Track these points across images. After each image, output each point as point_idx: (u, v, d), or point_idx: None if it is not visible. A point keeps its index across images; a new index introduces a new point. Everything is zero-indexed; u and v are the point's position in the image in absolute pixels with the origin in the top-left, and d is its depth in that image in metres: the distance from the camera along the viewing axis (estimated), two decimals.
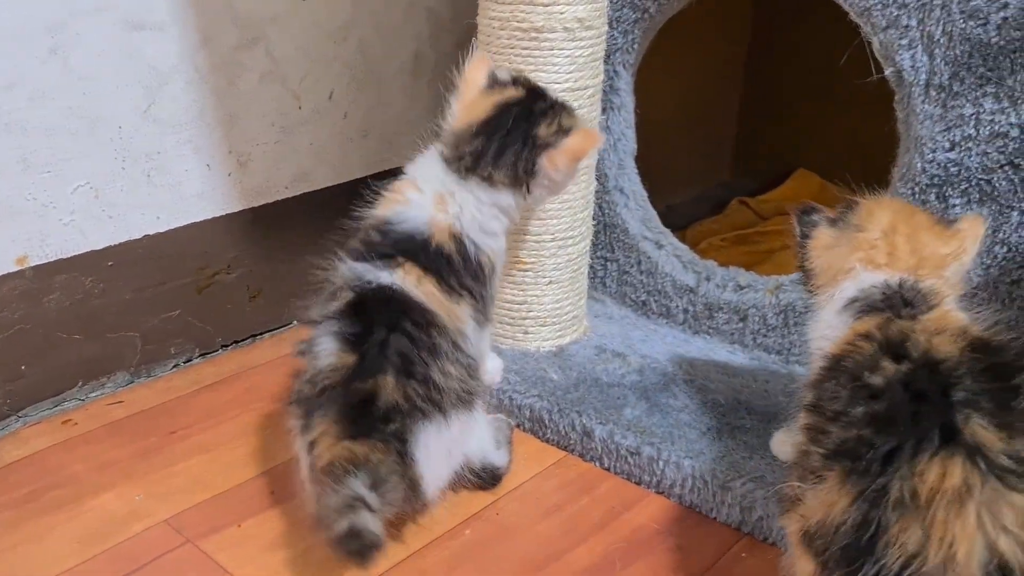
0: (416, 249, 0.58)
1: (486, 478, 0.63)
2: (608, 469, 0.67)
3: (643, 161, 0.83)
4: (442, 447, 0.56)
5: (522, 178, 0.60)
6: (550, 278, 0.74)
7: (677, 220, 1.07)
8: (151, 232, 0.76)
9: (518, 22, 0.67)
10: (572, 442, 0.68)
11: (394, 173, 0.63)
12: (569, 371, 0.73)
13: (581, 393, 0.70)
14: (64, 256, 0.71)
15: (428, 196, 0.60)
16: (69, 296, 0.72)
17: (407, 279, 0.57)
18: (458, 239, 0.59)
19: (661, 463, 0.63)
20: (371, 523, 0.49)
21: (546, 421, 0.69)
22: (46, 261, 0.70)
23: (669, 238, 0.82)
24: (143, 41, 0.71)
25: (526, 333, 0.76)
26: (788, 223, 0.96)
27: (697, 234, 1.01)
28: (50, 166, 0.69)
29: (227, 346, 0.84)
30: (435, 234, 0.58)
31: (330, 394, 0.54)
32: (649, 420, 0.67)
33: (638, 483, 0.65)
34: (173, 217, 0.77)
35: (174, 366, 0.80)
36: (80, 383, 0.75)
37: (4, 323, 0.69)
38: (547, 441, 0.70)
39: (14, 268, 0.69)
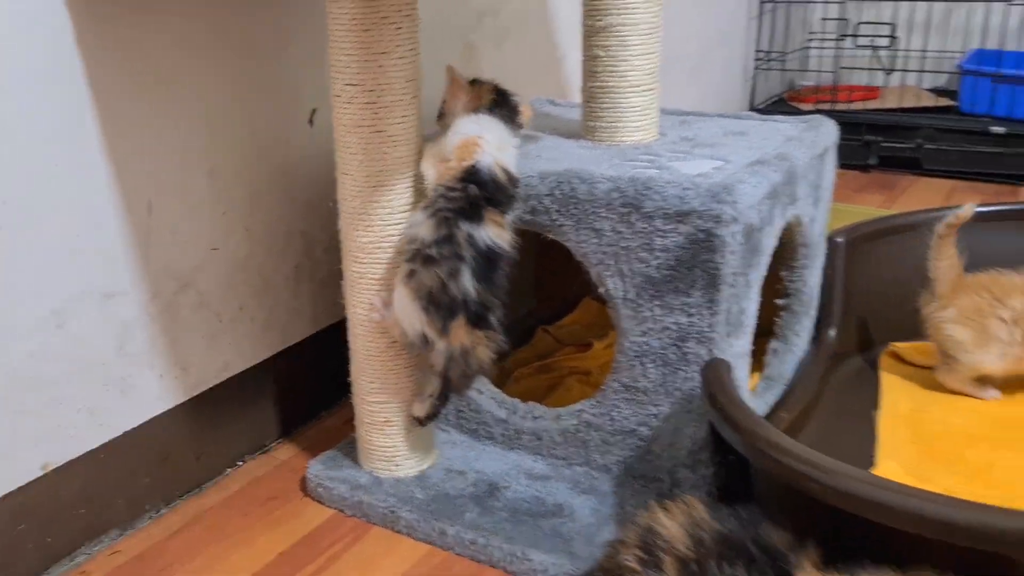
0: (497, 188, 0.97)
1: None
2: (459, 554, 1.04)
3: None
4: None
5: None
6: (410, 427, 1.12)
7: None
8: (127, 428, 1.09)
9: None
10: (434, 540, 1.05)
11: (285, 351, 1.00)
12: (428, 490, 1.11)
13: (437, 505, 1.08)
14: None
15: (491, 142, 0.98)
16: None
17: (492, 229, 0.95)
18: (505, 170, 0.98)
19: (490, 548, 1.01)
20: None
21: (416, 527, 1.06)
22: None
23: (487, 386, 1.20)
24: (115, 304, 1.05)
25: (397, 466, 1.13)
26: (577, 353, 1.36)
27: (513, 364, 1.40)
28: (53, 389, 1.01)
29: (182, 496, 1.17)
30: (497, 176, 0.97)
31: (463, 306, 0.93)
32: (480, 519, 1.05)
33: (478, 562, 1.03)
34: (137, 417, 1.10)
35: (149, 519, 1.13)
36: (83, 542, 1.06)
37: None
38: (417, 539, 1.07)
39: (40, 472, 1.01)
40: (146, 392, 1.10)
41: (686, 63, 2.34)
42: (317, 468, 1.16)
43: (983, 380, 1.26)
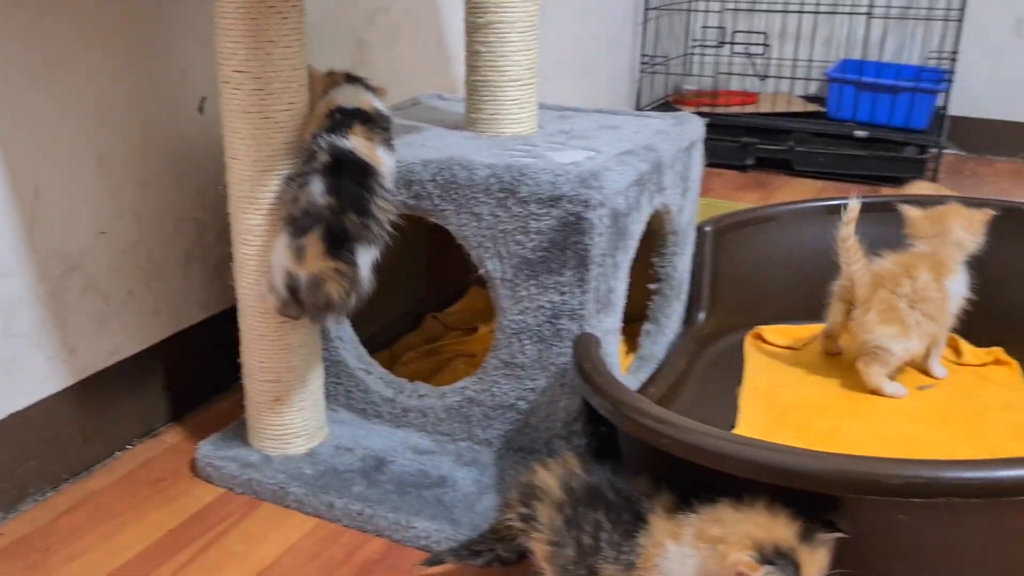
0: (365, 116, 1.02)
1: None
2: (347, 526, 1.09)
3: None
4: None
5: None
6: (299, 406, 1.16)
7: (387, 337, 1.51)
8: (13, 410, 1.09)
9: None
10: (322, 513, 1.09)
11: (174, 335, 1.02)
12: (317, 466, 1.15)
13: (326, 480, 1.12)
14: None
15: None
16: None
17: (355, 140, 0.99)
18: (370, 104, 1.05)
19: (376, 518, 1.06)
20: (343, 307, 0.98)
21: (304, 501, 1.10)
22: None
23: (375, 367, 1.25)
24: (1, 285, 1.06)
25: (287, 444, 1.17)
26: (463, 337, 1.41)
27: (400, 348, 1.45)
28: None
29: (68, 479, 1.17)
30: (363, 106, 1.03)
31: (317, 220, 0.95)
32: (367, 492, 1.09)
33: (364, 531, 1.07)
34: (23, 399, 1.11)
35: (35, 501, 1.13)
36: None
37: None
38: (306, 513, 1.11)
39: None
40: (33, 374, 1.11)
41: (575, 65, 2.43)
42: (207, 448, 1.18)
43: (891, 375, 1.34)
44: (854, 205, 1.28)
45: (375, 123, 1.04)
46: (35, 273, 1.09)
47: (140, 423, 1.26)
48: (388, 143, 1.05)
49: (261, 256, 1.07)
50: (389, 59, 1.67)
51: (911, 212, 1.38)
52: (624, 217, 1.11)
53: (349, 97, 1.05)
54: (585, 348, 1.03)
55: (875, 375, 1.31)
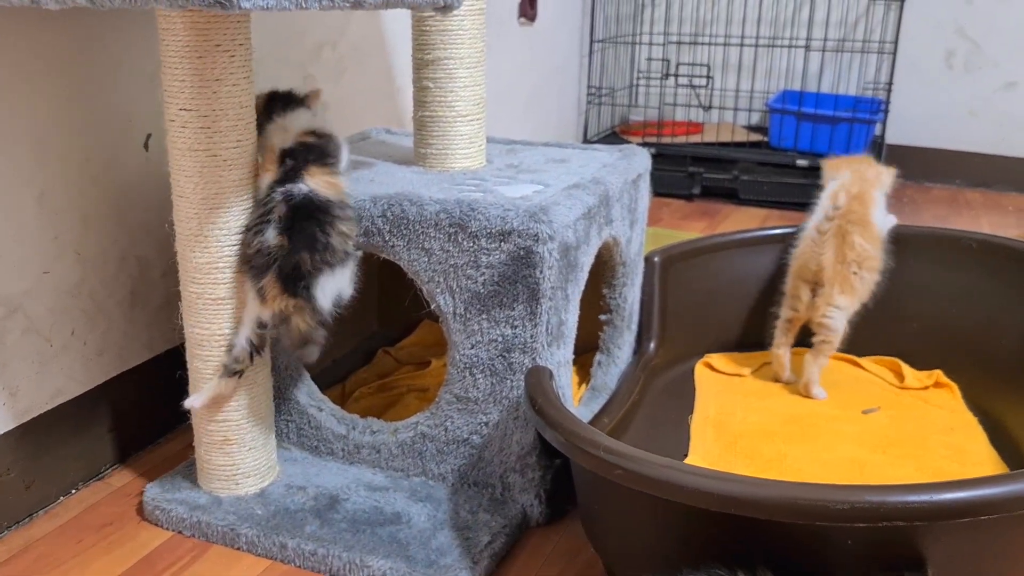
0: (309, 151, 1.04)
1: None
2: (300, 567, 1.07)
3: None
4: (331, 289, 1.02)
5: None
6: (250, 446, 1.14)
7: (339, 372, 1.50)
8: None
9: None
10: (274, 554, 1.08)
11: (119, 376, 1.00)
12: (268, 506, 1.13)
13: (278, 520, 1.10)
14: None
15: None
16: None
17: (312, 181, 1.02)
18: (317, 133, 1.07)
19: (329, 557, 1.05)
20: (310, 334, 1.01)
21: (256, 542, 1.08)
22: None
23: (327, 404, 1.24)
24: None
25: (237, 484, 1.15)
26: (415, 371, 1.41)
27: (352, 384, 1.44)
28: None
29: (10, 527, 1.14)
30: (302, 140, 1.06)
31: (271, 261, 0.99)
32: (320, 531, 1.08)
33: (318, 572, 1.06)
34: None
35: None
36: None
37: None
38: (258, 555, 1.09)
39: None
40: None
41: (521, 97, 2.46)
42: (154, 491, 1.16)
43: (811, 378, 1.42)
44: (844, 200, 1.40)
45: (321, 149, 1.06)
46: None
47: (85, 466, 1.23)
48: (338, 159, 1.09)
49: (209, 294, 1.06)
50: (336, 93, 1.67)
51: (830, 161, 1.52)
52: (574, 250, 1.12)
53: (284, 135, 1.06)
54: (537, 381, 1.04)
55: (816, 369, 1.40)
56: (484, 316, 1.09)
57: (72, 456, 1.21)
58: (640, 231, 1.40)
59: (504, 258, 1.06)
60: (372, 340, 1.59)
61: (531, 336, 1.08)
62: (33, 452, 1.16)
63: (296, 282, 1.00)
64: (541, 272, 1.06)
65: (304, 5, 0.87)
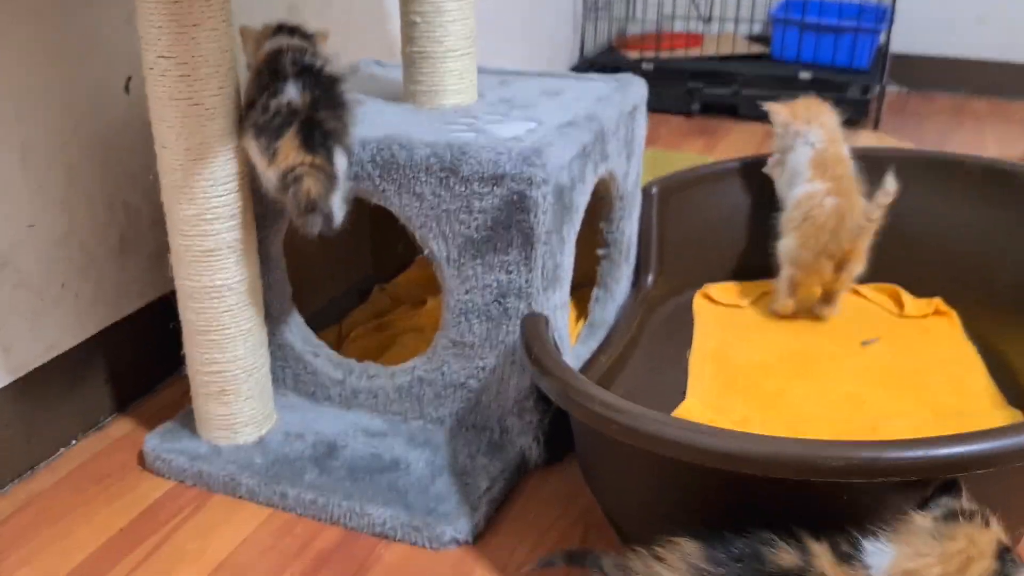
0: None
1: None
2: (300, 515, 1.08)
3: (302, 271, 1.23)
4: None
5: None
6: (247, 395, 1.14)
7: (335, 312, 1.49)
8: None
9: None
10: (275, 503, 1.09)
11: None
12: (267, 455, 1.13)
13: (277, 469, 1.11)
14: None
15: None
16: None
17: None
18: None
19: (329, 506, 1.06)
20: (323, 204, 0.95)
21: (257, 492, 1.09)
22: None
23: (323, 349, 1.23)
24: None
25: (236, 433, 1.15)
26: (412, 311, 1.40)
27: (348, 325, 1.43)
28: None
29: (12, 480, 1.15)
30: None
31: (291, 118, 0.94)
32: (320, 479, 1.09)
33: (318, 520, 1.07)
34: None
35: None
36: None
37: None
38: (259, 504, 1.10)
39: None
40: None
41: (517, 14, 2.38)
42: (154, 441, 1.16)
43: None
44: (892, 186, 1.31)
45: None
46: None
47: (83, 417, 1.23)
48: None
49: (199, 246, 1.05)
50: (323, 23, 1.61)
51: (778, 108, 1.49)
52: (569, 191, 1.09)
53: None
54: (533, 329, 1.03)
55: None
56: (478, 261, 1.08)
57: (70, 408, 1.21)
58: (637, 162, 1.37)
59: (497, 203, 1.04)
60: (367, 280, 1.58)
61: (526, 281, 1.07)
62: (31, 406, 1.15)
63: (318, 139, 0.95)
64: (535, 216, 1.03)
65: None
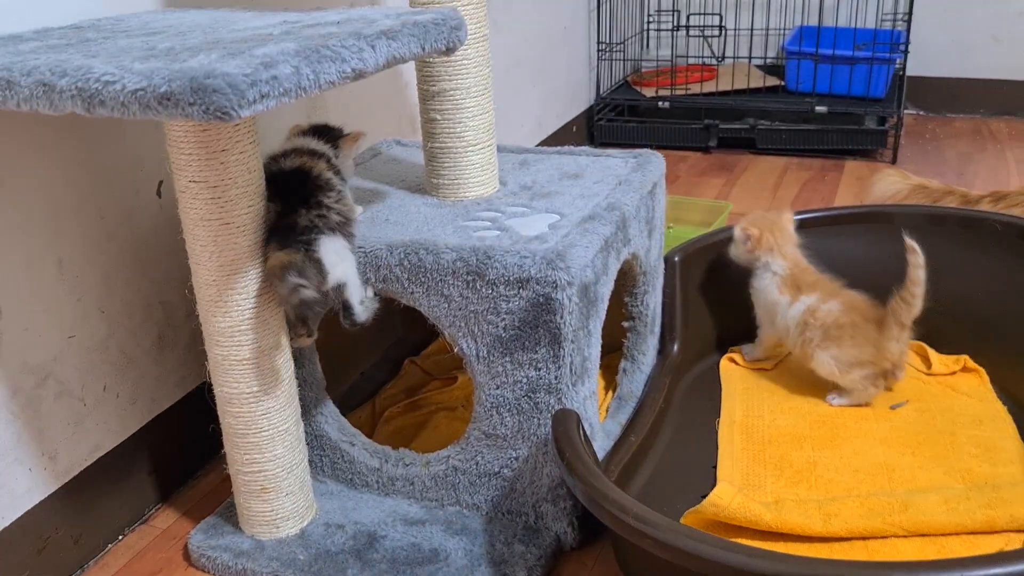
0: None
1: (345, 313, 1.03)
2: None
3: (332, 347, 1.27)
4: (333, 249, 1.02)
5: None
6: (287, 491, 1.17)
7: (368, 388, 1.52)
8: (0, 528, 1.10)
9: None
10: None
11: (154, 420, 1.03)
12: (309, 549, 1.16)
13: (320, 565, 1.14)
14: None
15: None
16: None
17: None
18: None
19: None
20: (308, 294, 0.98)
21: None
22: None
23: (359, 438, 1.26)
24: None
25: (277, 528, 1.18)
26: (443, 388, 1.43)
27: (382, 402, 1.46)
28: None
29: None
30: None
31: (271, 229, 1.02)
32: (362, 575, 1.12)
33: None
34: (9, 515, 1.11)
35: None
36: None
37: None
38: None
39: None
40: (16, 488, 1.11)
41: (530, 65, 2.41)
42: (199, 538, 1.19)
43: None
44: (917, 251, 1.29)
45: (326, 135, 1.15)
46: (6, 391, 1.09)
47: (129, 511, 1.27)
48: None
49: (235, 355, 1.08)
50: (343, 99, 1.64)
51: (744, 235, 1.43)
52: (594, 286, 1.11)
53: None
54: (564, 430, 1.05)
55: None
56: (507, 359, 1.10)
57: (116, 504, 1.25)
58: (659, 236, 1.39)
59: (524, 304, 1.06)
60: (398, 347, 1.60)
61: (555, 377, 1.09)
62: (77, 508, 1.19)
63: (291, 236, 1.01)
64: (562, 317, 1.05)
65: (307, 92, 0.85)
